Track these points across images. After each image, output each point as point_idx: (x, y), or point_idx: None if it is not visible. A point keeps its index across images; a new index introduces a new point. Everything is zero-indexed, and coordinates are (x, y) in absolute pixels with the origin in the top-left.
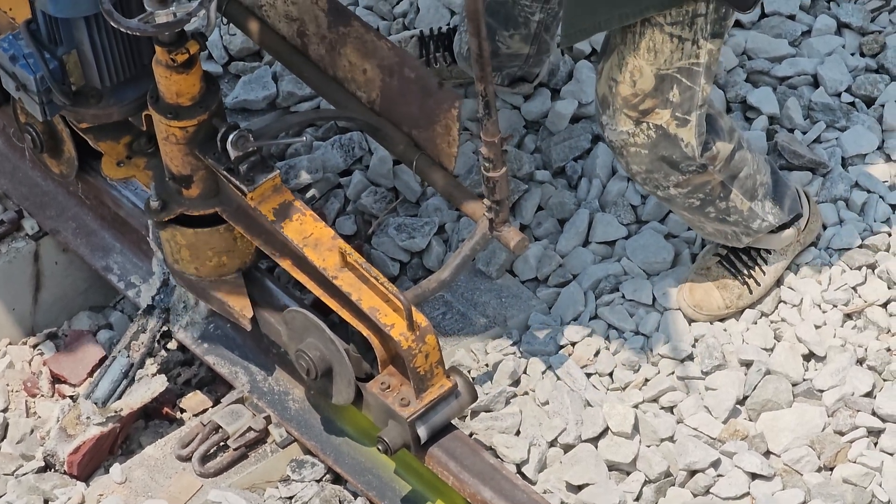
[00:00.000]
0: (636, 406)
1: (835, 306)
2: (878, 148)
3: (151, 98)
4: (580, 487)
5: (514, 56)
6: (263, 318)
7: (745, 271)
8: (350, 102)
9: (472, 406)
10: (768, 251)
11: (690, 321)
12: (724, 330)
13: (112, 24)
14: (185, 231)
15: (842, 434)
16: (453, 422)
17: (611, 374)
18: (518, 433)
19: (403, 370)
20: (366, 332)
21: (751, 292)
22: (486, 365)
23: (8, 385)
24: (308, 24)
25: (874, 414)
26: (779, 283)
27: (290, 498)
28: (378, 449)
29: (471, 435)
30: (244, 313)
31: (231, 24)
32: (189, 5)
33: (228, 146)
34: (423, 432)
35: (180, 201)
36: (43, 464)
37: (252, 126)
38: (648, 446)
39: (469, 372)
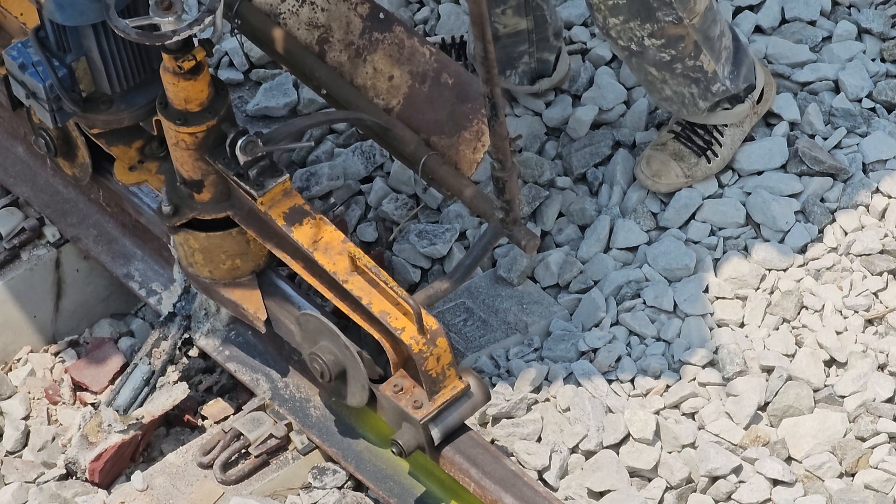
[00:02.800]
0: (657, 412)
1: (856, 312)
2: None
3: (160, 104)
4: (602, 494)
5: (514, 36)
6: (278, 321)
7: (702, 143)
8: (362, 105)
9: (493, 412)
10: (724, 124)
11: (648, 191)
12: (746, 336)
13: (118, 33)
14: (198, 235)
15: (863, 440)
16: (474, 428)
17: (632, 381)
18: (539, 440)
19: (415, 373)
20: (377, 336)
21: (709, 162)
22: (508, 371)
23: (29, 393)
24: (335, 30)
25: (895, 420)
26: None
27: None
28: (392, 451)
29: (492, 441)
30: (258, 315)
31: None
32: (192, 16)
33: (237, 151)
34: (436, 434)
35: (192, 206)
36: (64, 471)
37: (261, 131)
38: (670, 452)
39: (490, 379)
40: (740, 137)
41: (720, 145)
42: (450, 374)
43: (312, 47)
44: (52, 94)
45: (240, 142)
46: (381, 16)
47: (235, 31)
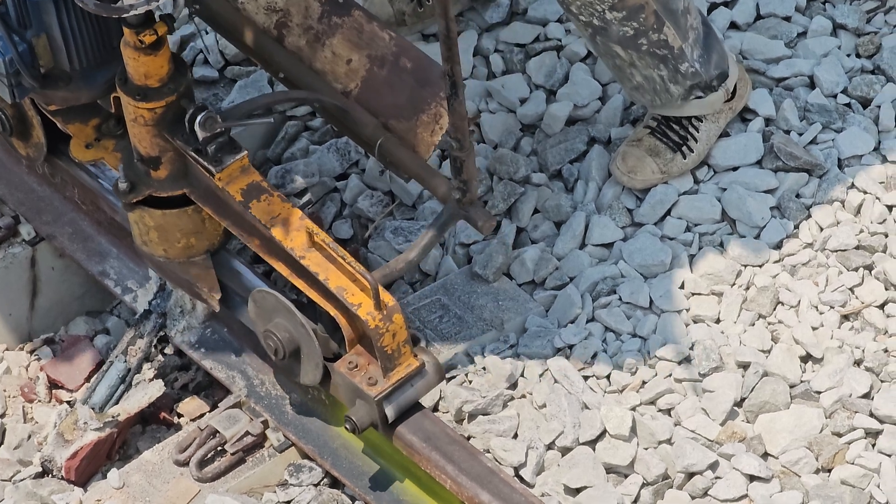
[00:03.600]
0: (634, 408)
1: (832, 308)
2: (874, 149)
3: (120, 80)
4: (578, 490)
5: None
6: (232, 301)
7: (677, 139)
8: (322, 89)
9: (469, 409)
10: (699, 119)
11: (623, 188)
12: (722, 332)
13: (79, 4)
14: (154, 213)
15: (840, 435)
16: (450, 425)
17: (608, 377)
18: (515, 436)
19: (371, 349)
20: (333, 312)
21: (684, 157)
22: (483, 368)
23: (5, 390)
24: (294, 14)
25: (872, 415)
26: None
27: (289, 502)
28: (346, 428)
29: (468, 438)
30: (213, 294)
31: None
32: None
33: (196, 127)
34: (390, 411)
35: (149, 183)
36: (40, 469)
37: (220, 107)
38: (646, 449)
39: (466, 375)
40: (716, 133)
41: (695, 140)
42: (405, 351)
43: (271, 31)
44: (12, 69)
45: (199, 117)
46: (340, 0)
47: (206, 30)
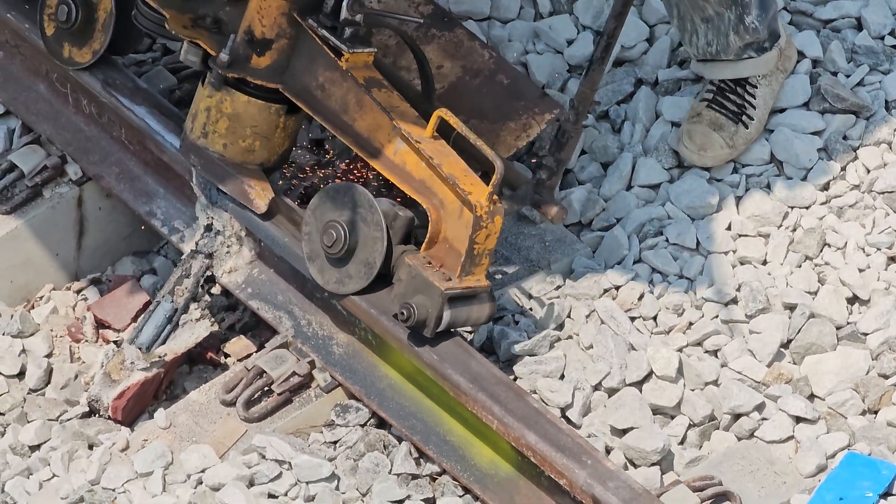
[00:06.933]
0: (680, 350)
1: (878, 249)
2: None
3: None
4: (624, 431)
5: None
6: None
7: (735, 108)
8: (403, 88)
9: (516, 350)
10: (753, 86)
11: (693, 166)
12: (769, 273)
13: None
14: (238, 97)
15: (886, 377)
16: (496, 365)
17: (655, 318)
18: (562, 377)
19: (446, 255)
20: (425, 205)
21: (746, 127)
22: (530, 309)
23: (52, 330)
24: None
25: None
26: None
27: (335, 442)
28: (398, 316)
29: (515, 379)
30: (265, 194)
31: None
32: None
33: (344, 6)
34: (447, 316)
35: (246, 68)
36: (87, 409)
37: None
38: (692, 390)
39: (513, 316)
40: (771, 97)
41: (753, 108)
42: (484, 262)
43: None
44: None
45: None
46: (445, 18)
47: None
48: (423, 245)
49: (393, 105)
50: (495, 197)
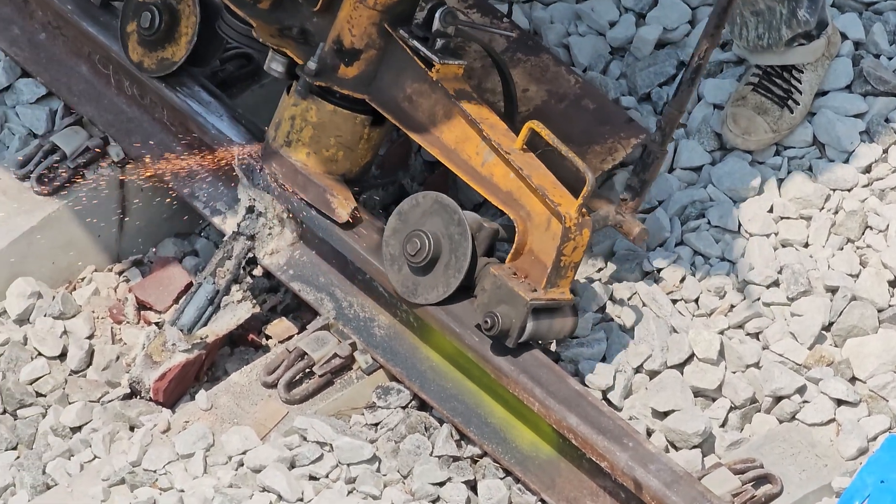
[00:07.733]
0: (722, 332)
1: None
2: None
3: None
4: (666, 414)
5: None
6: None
7: (781, 92)
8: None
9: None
10: (800, 70)
11: (735, 149)
12: (810, 256)
13: None
14: (324, 106)
15: None
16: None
17: (696, 301)
18: (604, 359)
19: (529, 267)
20: (512, 216)
21: (791, 112)
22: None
23: (94, 312)
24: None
25: None
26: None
27: (376, 424)
28: (481, 326)
29: (557, 361)
30: (347, 202)
31: None
32: None
33: (436, 17)
34: (530, 327)
35: (333, 77)
36: (128, 391)
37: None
38: (734, 372)
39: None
40: (817, 83)
41: (799, 92)
42: (569, 276)
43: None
44: None
45: (440, 9)
46: (530, 43)
47: None
48: (509, 256)
49: (483, 117)
50: (584, 210)
